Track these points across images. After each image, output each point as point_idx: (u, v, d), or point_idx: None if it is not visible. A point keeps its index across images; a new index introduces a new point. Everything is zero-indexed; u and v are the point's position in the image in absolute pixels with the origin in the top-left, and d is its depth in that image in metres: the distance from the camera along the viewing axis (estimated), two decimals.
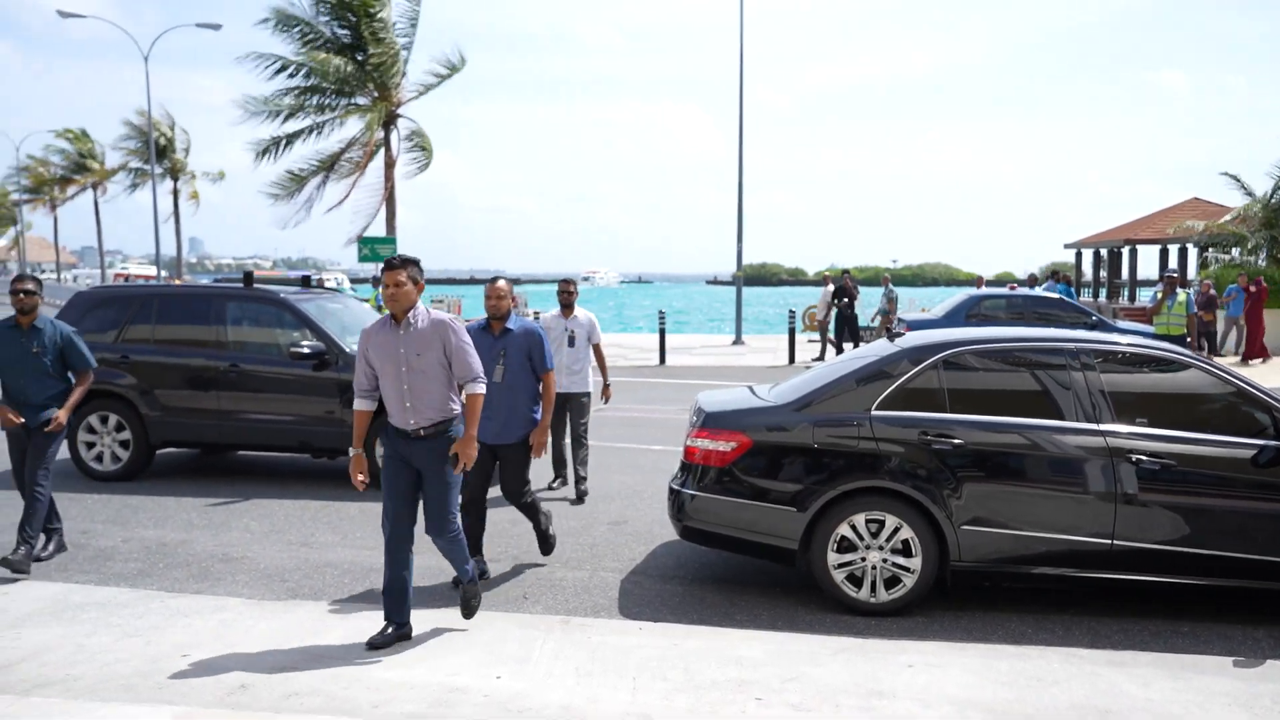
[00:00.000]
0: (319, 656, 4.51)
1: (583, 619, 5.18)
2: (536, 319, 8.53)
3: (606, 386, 8.62)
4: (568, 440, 8.36)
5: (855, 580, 5.36)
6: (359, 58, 23.56)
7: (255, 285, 9.22)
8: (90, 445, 8.77)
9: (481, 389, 4.86)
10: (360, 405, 4.91)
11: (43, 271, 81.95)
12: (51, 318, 6.45)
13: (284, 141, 24.44)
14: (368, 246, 21.72)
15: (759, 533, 5.46)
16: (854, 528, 5.33)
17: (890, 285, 21.69)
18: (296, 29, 23.50)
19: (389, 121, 24.15)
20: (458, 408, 4.89)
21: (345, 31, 23.67)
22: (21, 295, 6.26)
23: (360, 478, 4.84)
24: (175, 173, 48.75)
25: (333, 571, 6.10)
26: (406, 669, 4.37)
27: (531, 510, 6.03)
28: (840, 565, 5.36)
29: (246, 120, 23.73)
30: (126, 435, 8.73)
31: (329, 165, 24.50)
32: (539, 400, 6.02)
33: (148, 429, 8.71)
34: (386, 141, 24.34)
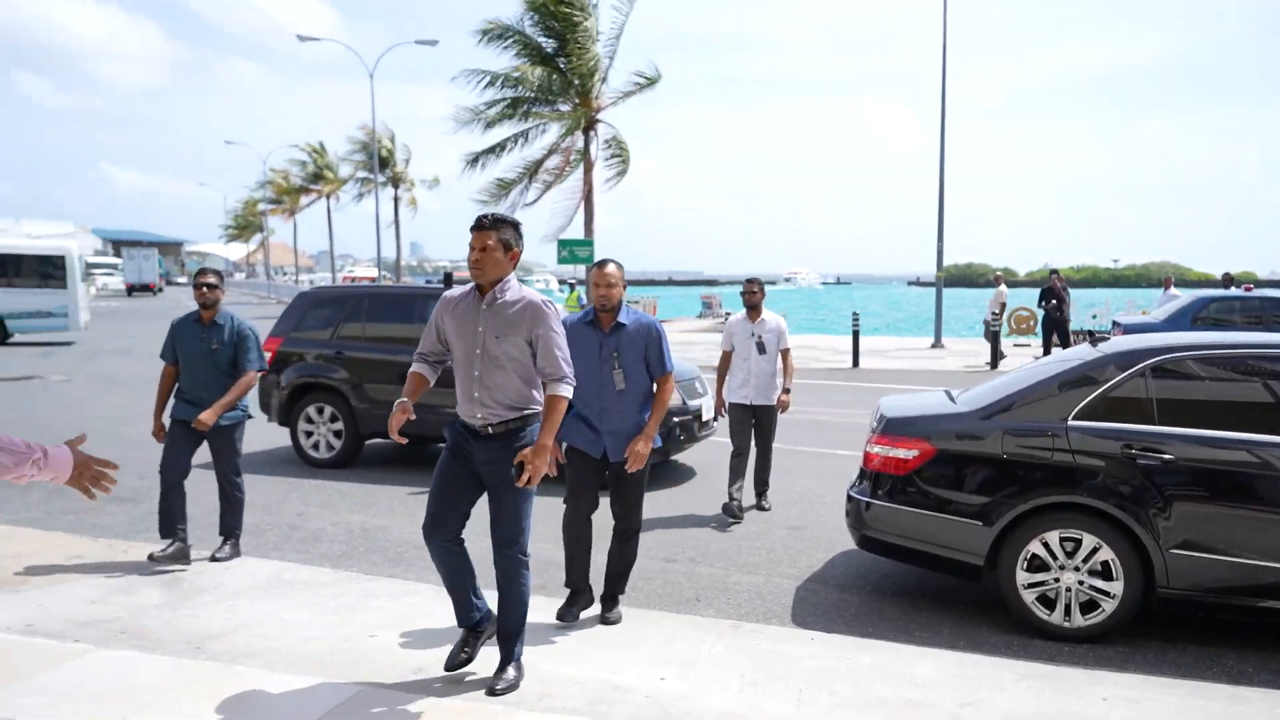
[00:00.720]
0: (490, 646, 4.65)
1: (754, 625, 5.10)
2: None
3: (785, 392, 7.75)
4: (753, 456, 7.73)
5: (1047, 602, 5.01)
6: (562, 65, 24.35)
7: (455, 285, 9.67)
8: (309, 434, 9.48)
9: (567, 392, 4.04)
10: (416, 368, 4.21)
11: (284, 274, 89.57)
12: (233, 314, 6.27)
13: (492, 151, 25.62)
14: (566, 249, 22.39)
15: (941, 546, 5.20)
16: (1046, 545, 4.98)
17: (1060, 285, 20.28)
18: (507, 39, 24.55)
19: (589, 127, 24.81)
20: (538, 405, 4.12)
21: (551, 41, 24.53)
22: (204, 289, 6.05)
23: (398, 424, 3.98)
24: (396, 181, 52.06)
25: None
26: (573, 664, 4.44)
27: (631, 548, 5.12)
28: (1030, 585, 5.02)
29: (458, 131, 25.03)
30: (339, 426, 9.38)
31: (532, 171, 25.47)
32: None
33: (357, 420, 9.32)
34: (586, 146, 25.01)
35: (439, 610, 5.17)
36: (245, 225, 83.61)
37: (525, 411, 4.09)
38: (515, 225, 4.04)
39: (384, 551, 6.57)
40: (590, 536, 5.07)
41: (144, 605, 5.19)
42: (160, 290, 63.94)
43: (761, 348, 7.58)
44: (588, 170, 24.99)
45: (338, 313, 9.69)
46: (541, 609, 5.13)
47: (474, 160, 25.45)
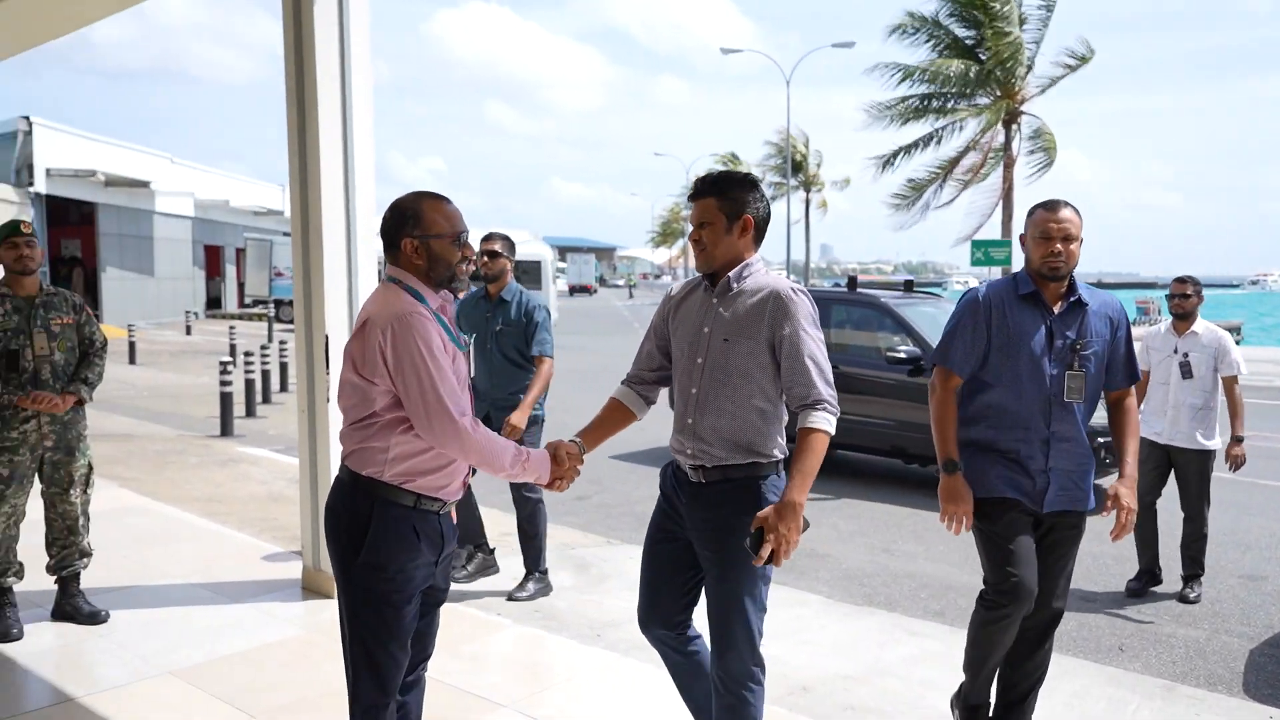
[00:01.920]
0: (882, 671, 4.42)
1: (1193, 689, 4.36)
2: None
3: (1237, 443, 5.62)
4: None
5: None
6: (981, 58, 23.08)
7: (859, 290, 9.48)
8: None
9: (828, 425, 2.72)
10: (617, 393, 3.13)
11: (676, 277, 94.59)
12: (521, 288, 5.37)
13: (904, 150, 25.01)
14: (980, 250, 21.14)
15: None
16: None
17: None
18: (921, 34, 23.83)
19: (1010, 120, 23.26)
20: (778, 454, 2.89)
21: (969, 33, 23.38)
22: (486, 258, 5.18)
23: (566, 479, 2.82)
24: (808, 185, 52.71)
25: (910, 583, 5.97)
26: None
27: (1047, 646, 3.49)
28: None
29: (869, 126, 24.73)
30: None
31: (947, 170, 24.46)
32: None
33: None
34: (1007, 141, 23.48)
35: (829, 625, 5.04)
36: (669, 231, 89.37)
37: (757, 459, 2.84)
38: (747, 182, 2.88)
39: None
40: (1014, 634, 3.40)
41: (557, 587, 5.59)
42: (595, 291, 70.41)
43: (1187, 370, 5.67)
44: (1008, 166, 23.46)
45: None
46: (942, 639, 4.80)
47: (885, 162, 24.99)
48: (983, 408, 3.38)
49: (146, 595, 5.11)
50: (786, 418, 2.89)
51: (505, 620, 4.95)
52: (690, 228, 2.91)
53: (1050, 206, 3.32)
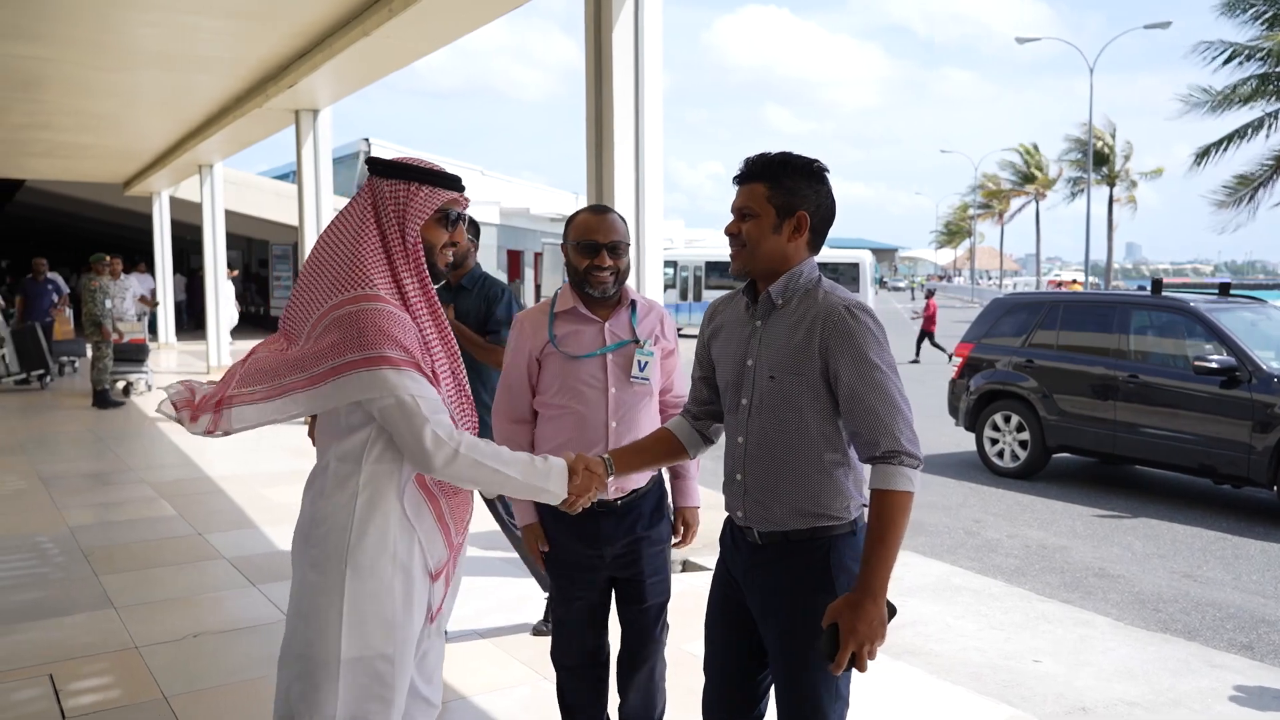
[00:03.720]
0: (1174, 701, 4.16)
1: None
2: None
3: None
4: None
5: None
6: None
7: (1164, 294, 8.80)
8: (994, 441, 9.43)
9: (907, 483, 2.06)
10: (671, 421, 2.56)
11: (989, 278, 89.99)
12: (486, 275, 4.37)
13: (1230, 138, 22.60)
14: None
15: None
16: None
17: None
18: (1251, 10, 21.43)
19: None
20: (848, 508, 2.22)
21: None
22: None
23: (579, 497, 2.32)
24: (1112, 179, 48.72)
25: (1214, 612, 5.52)
26: None
27: None
28: None
29: (1186, 114, 22.56)
30: (1025, 435, 9.17)
31: None
32: None
33: (1045, 431, 9.00)
34: None
35: (1116, 649, 4.79)
36: (954, 230, 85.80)
37: (827, 522, 2.21)
38: (809, 170, 2.20)
39: (1060, 573, 6.27)
40: None
41: None
42: (876, 293, 69.02)
43: None
44: None
45: (1031, 319, 9.46)
46: (1240, 671, 4.44)
47: (1203, 155, 22.68)
48: None
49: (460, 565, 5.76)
50: (861, 468, 2.26)
51: None
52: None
53: None
